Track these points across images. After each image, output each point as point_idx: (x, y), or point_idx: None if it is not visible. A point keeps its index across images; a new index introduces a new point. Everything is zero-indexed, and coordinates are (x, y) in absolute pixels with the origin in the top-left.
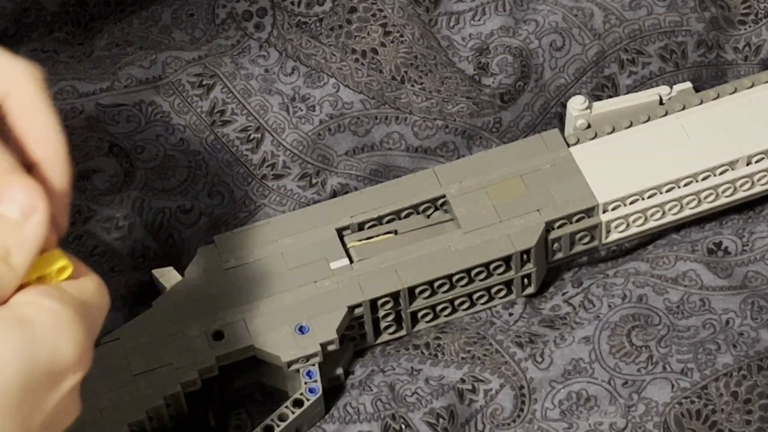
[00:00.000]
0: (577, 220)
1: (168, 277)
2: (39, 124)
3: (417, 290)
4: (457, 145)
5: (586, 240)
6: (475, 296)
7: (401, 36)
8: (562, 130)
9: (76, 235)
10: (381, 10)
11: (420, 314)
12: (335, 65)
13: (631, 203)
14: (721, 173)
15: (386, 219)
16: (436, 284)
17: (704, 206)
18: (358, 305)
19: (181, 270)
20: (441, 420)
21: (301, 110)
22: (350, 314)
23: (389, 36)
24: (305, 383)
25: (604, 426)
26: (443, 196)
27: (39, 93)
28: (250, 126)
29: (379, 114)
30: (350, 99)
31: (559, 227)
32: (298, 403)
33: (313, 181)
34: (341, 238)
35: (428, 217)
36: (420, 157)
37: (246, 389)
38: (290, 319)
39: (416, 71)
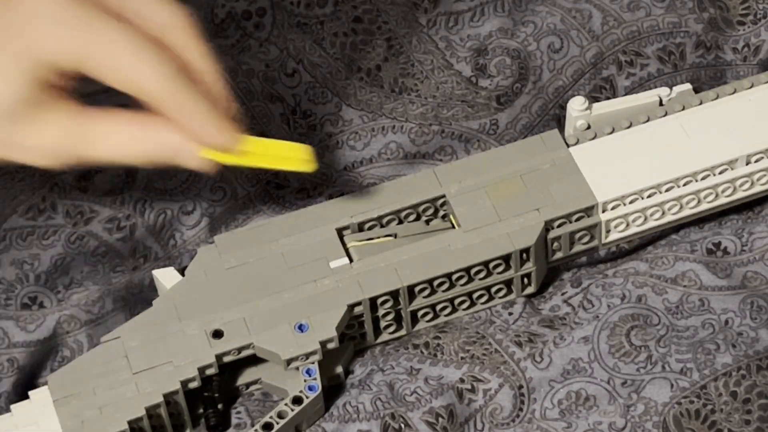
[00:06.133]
0: (577, 219)
1: (168, 277)
2: (203, 75)
3: (417, 289)
4: (454, 149)
5: (585, 239)
6: (475, 296)
7: (401, 47)
8: (560, 131)
9: (78, 235)
10: (386, 23)
11: (420, 313)
12: (339, 83)
13: (630, 202)
14: (720, 172)
15: (386, 219)
16: (435, 283)
17: (704, 206)
18: (358, 304)
19: (182, 271)
20: (440, 419)
21: (302, 127)
22: (350, 313)
23: (392, 49)
24: (305, 381)
25: (603, 425)
26: (443, 196)
27: (195, 42)
28: (252, 130)
29: (376, 126)
30: (350, 116)
31: (558, 226)
32: (297, 400)
33: (311, 194)
34: (341, 237)
35: (427, 223)
36: (419, 163)
37: (245, 387)
38: (290, 318)
39: (412, 79)
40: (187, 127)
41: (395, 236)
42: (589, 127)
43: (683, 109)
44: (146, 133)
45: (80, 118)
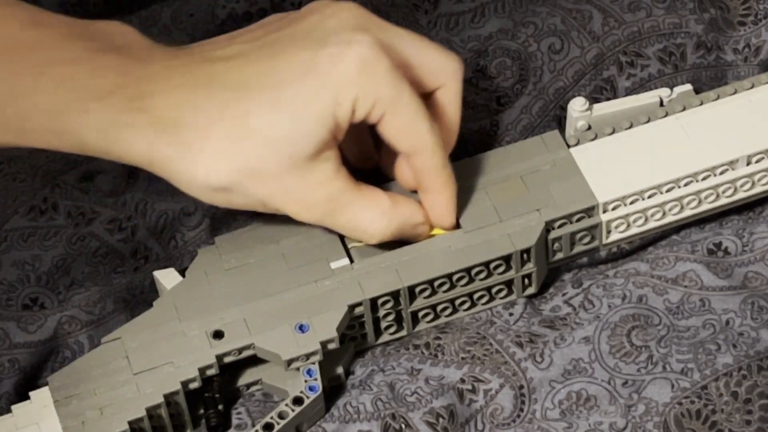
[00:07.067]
0: (578, 220)
1: (169, 278)
2: (450, 119)
3: (417, 290)
4: (454, 150)
5: (586, 240)
6: (475, 296)
7: None
8: (560, 132)
9: (79, 236)
10: None
11: (421, 314)
12: None
13: (631, 203)
14: (721, 173)
15: None
16: (436, 284)
17: (705, 206)
18: (359, 304)
19: (182, 272)
20: (441, 420)
21: None
22: (350, 313)
23: None
24: (305, 381)
25: (604, 426)
26: None
27: (460, 91)
28: None
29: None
30: None
31: (559, 227)
32: (298, 401)
33: None
34: (342, 238)
35: None
36: None
37: (246, 388)
38: (290, 318)
39: None
40: (435, 209)
41: None
42: (589, 128)
43: (684, 109)
44: (396, 212)
45: (349, 184)
